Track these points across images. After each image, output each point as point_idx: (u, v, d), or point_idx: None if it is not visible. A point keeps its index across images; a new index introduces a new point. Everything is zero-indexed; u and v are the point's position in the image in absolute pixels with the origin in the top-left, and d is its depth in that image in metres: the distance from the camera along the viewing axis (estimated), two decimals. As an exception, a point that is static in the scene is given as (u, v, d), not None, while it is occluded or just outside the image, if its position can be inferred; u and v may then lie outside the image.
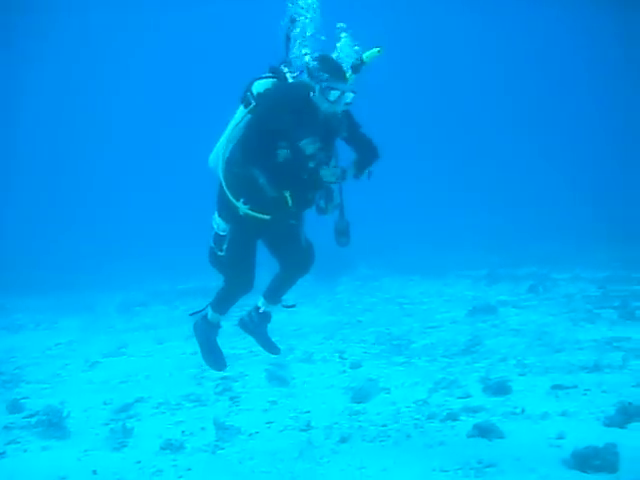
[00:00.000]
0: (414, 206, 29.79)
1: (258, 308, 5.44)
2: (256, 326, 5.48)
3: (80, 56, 37.20)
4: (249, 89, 4.89)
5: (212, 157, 5.12)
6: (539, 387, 7.21)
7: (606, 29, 35.14)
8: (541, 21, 38.01)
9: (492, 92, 40.84)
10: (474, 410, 6.58)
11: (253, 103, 4.81)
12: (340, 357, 8.96)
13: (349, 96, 4.70)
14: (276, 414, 6.69)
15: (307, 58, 4.87)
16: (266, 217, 4.79)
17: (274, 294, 5.42)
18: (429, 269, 17.04)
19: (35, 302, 14.72)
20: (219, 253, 5.09)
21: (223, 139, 5.00)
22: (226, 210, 4.98)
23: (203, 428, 6.35)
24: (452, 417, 6.34)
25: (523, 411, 6.53)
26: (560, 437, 5.73)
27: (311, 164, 4.72)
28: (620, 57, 35.48)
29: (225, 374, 8.24)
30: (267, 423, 6.46)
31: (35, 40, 32.13)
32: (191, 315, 5.54)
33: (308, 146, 4.70)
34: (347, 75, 4.67)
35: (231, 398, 7.29)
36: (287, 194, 4.77)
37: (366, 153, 4.97)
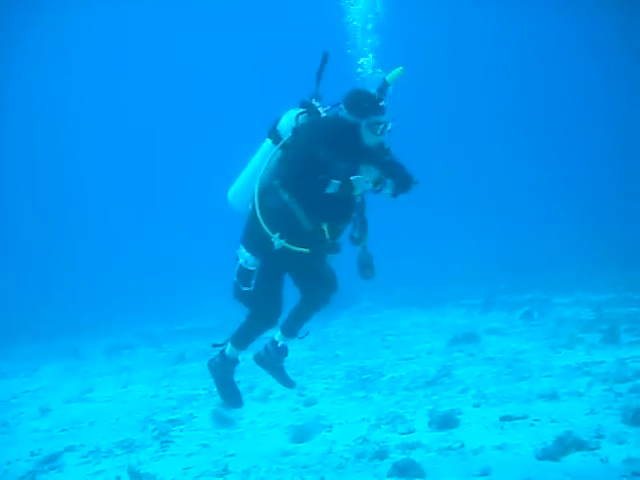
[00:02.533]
0: (418, 234, 29.40)
1: (276, 342, 5.30)
2: (274, 360, 5.35)
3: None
4: (286, 123, 4.90)
5: (233, 192, 5.10)
6: (488, 419, 6.84)
7: (609, 31, 34.61)
8: (543, 26, 37.59)
9: (491, 97, 40.27)
10: (410, 446, 6.24)
11: (294, 135, 4.79)
12: (299, 394, 8.63)
13: (390, 125, 4.74)
14: (199, 459, 6.41)
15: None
16: (305, 250, 4.75)
17: (293, 327, 5.29)
18: (429, 299, 16.70)
19: (24, 349, 14.65)
20: (245, 288, 4.98)
21: (247, 174, 5.01)
22: (257, 244, 4.91)
23: (118, 477, 6.07)
24: (381, 455, 6.00)
25: (462, 446, 6.13)
26: (484, 474, 5.36)
27: (357, 198, 4.77)
28: (624, 59, 34.83)
29: (173, 417, 8.03)
30: (185, 469, 6.17)
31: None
32: (214, 346, 5.42)
33: (360, 182, 4.64)
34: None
35: (162, 442, 7.01)
36: (325, 226, 4.76)
37: (401, 178, 4.89)
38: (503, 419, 6.74)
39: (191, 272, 23.54)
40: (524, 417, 6.73)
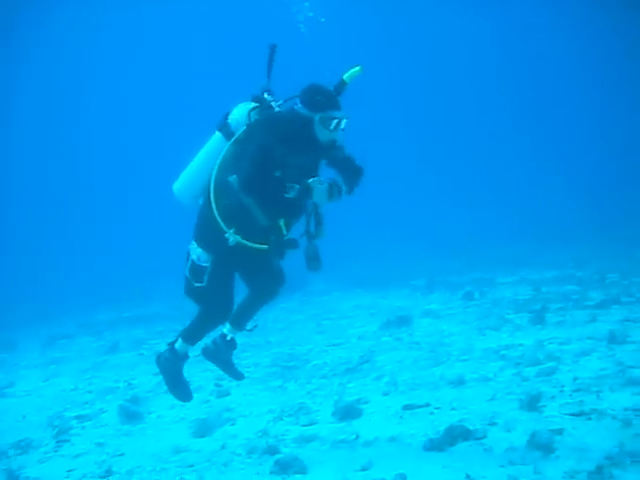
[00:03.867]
0: (385, 212, 29.34)
1: (225, 335, 5.24)
2: (222, 354, 5.30)
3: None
4: (237, 117, 4.85)
5: (179, 185, 5.02)
6: (391, 408, 6.78)
7: (605, 29, 34.67)
8: (538, 23, 37.59)
9: (486, 92, 40.35)
10: (307, 439, 6.16)
11: (248, 130, 4.76)
12: (215, 384, 8.49)
13: (344, 122, 4.71)
14: (87, 459, 6.25)
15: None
16: (263, 247, 4.77)
17: (241, 320, 5.26)
18: (378, 280, 16.60)
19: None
20: (198, 284, 4.97)
21: (194, 167, 4.94)
22: (210, 240, 4.90)
23: (-1, 481, 5.91)
24: (272, 450, 5.89)
25: (357, 437, 6.06)
26: (364, 468, 5.27)
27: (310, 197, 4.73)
28: (621, 57, 34.92)
29: (83, 412, 7.88)
30: (69, 471, 6.02)
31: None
32: (168, 344, 5.40)
33: (316, 187, 4.66)
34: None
35: (58, 442, 6.85)
36: (282, 222, 4.77)
37: (352, 172, 4.92)
38: (405, 408, 6.68)
39: (147, 257, 23.31)
40: (426, 405, 6.67)
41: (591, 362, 7.36)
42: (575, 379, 6.78)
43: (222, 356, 5.33)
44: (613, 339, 8.01)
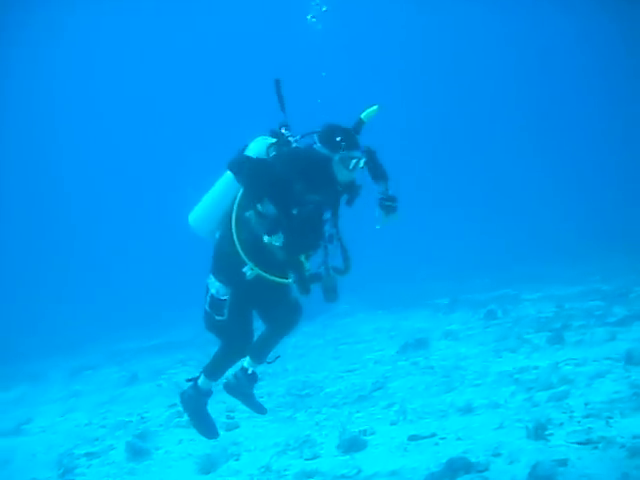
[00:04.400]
0: (406, 232, 29.15)
1: (245, 369, 5.22)
2: (244, 388, 5.28)
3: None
4: (255, 152, 4.78)
5: (195, 217, 5.00)
6: (397, 439, 6.65)
7: (608, 29, 34.25)
8: (541, 25, 37.25)
9: (490, 96, 39.95)
10: (308, 475, 6.05)
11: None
12: (227, 417, 8.41)
13: (362, 161, 4.69)
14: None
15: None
16: (284, 280, 4.75)
17: (262, 353, 5.21)
18: (403, 301, 16.46)
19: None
20: (219, 317, 4.95)
21: (210, 200, 4.92)
22: (228, 273, 4.87)
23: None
24: (271, 488, 5.76)
25: (359, 472, 5.95)
26: (360, 506, 5.12)
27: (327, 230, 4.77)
28: (622, 57, 34.44)
29: (93, 449, 7.86)
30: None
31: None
32: (187, 381, 5.41)
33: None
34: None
35: (63, 483, 6.81)
36: (302, 257, 4.74)
37: (375, 165, 4.88)
38: (411, 439, 6.54)
39: (171, 284, 23.40)
40: (432, 435, 6.53)
41: (605, 385, 7.15)
42: (586, 404, 6.59)
43: (244, 390, 5.30)
44: (630, 359, 7.77)
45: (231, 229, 4.75)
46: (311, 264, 4.87)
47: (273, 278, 4.76)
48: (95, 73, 37.95)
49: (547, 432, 6.00)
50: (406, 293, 17.75)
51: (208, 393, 5.32)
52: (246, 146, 4.89)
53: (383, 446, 6.52)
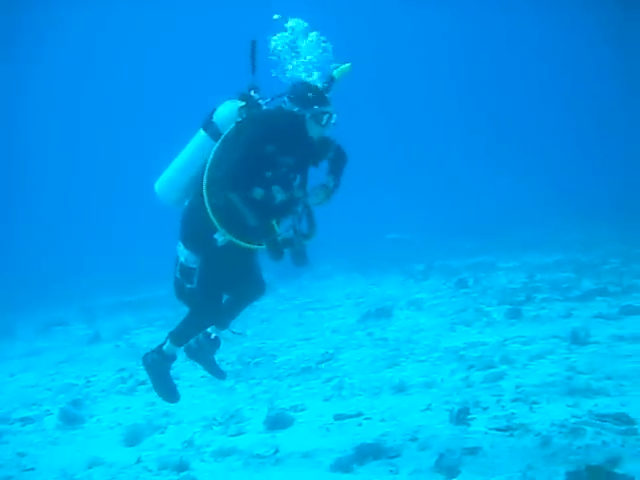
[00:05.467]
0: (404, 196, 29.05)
1: (208, 334, 5.21)
2: (205, 353, 5.29)
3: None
4: (224, 115, 4.69)
5: (162, 184, 4.88)
6: (324, 417, 6.50)
7: (599, 30, 33.70)
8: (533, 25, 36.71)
9: (482, 93, 39.65)
10: (225, 453, 5.92)
11: (237, 129, 4.61)
12: (170, 385, 8.27)
13: (334, 117, 4.62)
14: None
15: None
16: (256, 246, 4.70)
17: (225, 319, 5.20)
18: (382, 265, 16.31)
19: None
20: (188, 286, 4.88)
21: (177, 166, 4.79)
22: (198, 241, 4.77)
23: None
24: (182, 467, 5.66)
25: (276, 452, 5.82)
26: (259, 492, 5.01)
27: (299, 194, 4.70)
28: (613, 58, 33.92)
29: (30, 414, 7.80)
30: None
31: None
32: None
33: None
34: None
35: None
36: (274, 222, 4.69)
37: (338, 162, 4.88)
38: (336, 418, 6.40)
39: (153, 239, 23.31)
40: (358, 415, 6.40)
41: (543, 366, 7.02)
42: (517, 387, 6.45)
43: (205, 354, 5.30)
44: (576, 339, 7.61)
45: (202, 194, 4.61)
46: (281, 228, 4.79)
47: (245, 244, 4.67)
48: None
49: (470, 416, 5.85)
50: (387, 256, 17.59)
51: (172, 358, 5.24)
52: (214, 110, 4.76)
53: (307, 424, 6.40)
